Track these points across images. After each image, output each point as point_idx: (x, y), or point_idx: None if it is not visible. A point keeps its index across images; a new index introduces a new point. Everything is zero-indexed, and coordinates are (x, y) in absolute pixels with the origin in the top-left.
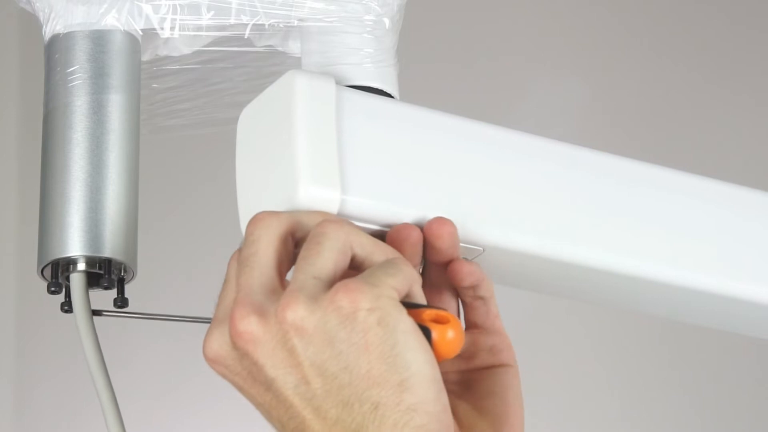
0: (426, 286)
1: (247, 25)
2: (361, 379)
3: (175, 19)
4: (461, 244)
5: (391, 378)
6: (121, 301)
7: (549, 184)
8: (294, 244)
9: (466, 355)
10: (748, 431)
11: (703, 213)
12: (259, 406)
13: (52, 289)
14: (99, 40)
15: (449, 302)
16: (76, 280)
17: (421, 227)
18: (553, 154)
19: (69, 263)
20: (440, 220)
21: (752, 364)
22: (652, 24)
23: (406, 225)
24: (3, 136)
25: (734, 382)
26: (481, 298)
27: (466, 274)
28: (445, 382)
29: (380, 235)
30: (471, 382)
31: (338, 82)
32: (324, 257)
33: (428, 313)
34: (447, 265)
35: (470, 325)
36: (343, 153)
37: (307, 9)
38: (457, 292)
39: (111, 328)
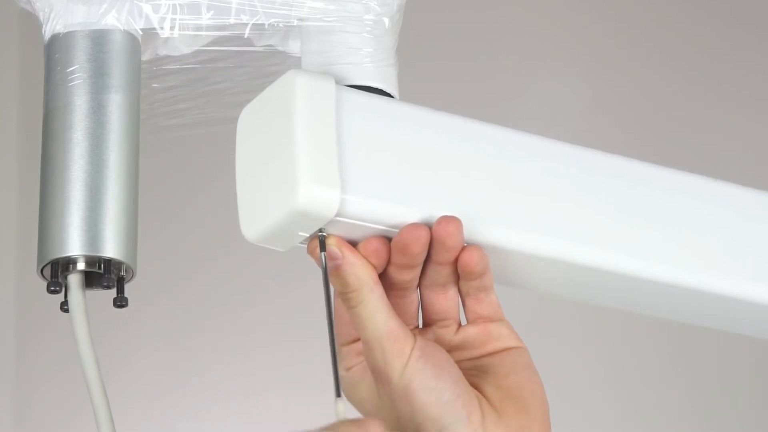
0: (427, 285)
1: (246, 24)
2: None
3: (174, 19)
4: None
5: None
6: (120, 301)
7: (549, 183)
8: None
9: (476, 344)
10: (748, 431)
11: (704, 212)
12: None
13: (52, 288)
14: (99, 39)
15: (452, 298)
16: (74, 280)
17: (428, 226)
18: (552, 154)
19: (69, 263)
20: (449, 218)
21: (753, 364)
22: (653, 23)
23: (416, 225)
24: (3, 136)
25: (735, 382)
26: (485, 289)
27: (479, 259)
28: (462, 369)
29: (386, 236)
30: (487, 366)
31: (338, 82)
32: None
33: None
34: (451, 262)
35: (476, 318)
36: (343, 152)
37: (306, 8)
38: (458, 289)
39: (109, 329)
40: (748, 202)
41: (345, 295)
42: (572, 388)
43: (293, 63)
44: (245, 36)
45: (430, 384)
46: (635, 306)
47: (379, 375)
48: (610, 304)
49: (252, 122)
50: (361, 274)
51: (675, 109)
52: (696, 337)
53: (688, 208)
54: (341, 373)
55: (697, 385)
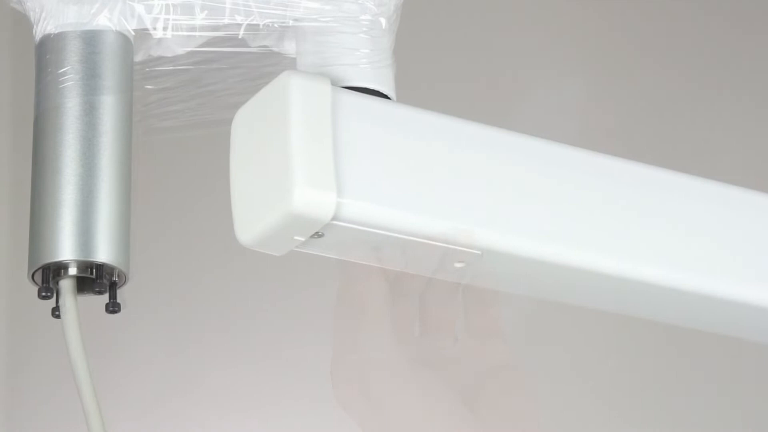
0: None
1: (241, 25)
2: None
3: (168, 19)
4: (459, 248)
5: None
6: (113, 306)
7: (548, 186)
8: None
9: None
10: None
11: (704, 215)
12: None
13: (43, 294)
14: (91, 40)
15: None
16: (66, 286)
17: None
18: (552, 156)
19: (60, 267)
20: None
21: (753, 364)
22: (653, 24)
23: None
24: None
25: (735, 382)
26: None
27: None
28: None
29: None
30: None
31: (334, 83)
32: None
33: None
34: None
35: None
36: (339, 155)
37: (302, 9)
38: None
39: (102, 335)
40: (748, 205)
41: None
42: (572, 390)
43: (288, 64)
44: (240, 37)
45: None
46: (636, 310)
47: None
48: (610, 308)
49: (246, 124)
50: None
51: (675, 110)
52: (697, 339)
53: (689, 211)
54: None
55: (697, 385)
